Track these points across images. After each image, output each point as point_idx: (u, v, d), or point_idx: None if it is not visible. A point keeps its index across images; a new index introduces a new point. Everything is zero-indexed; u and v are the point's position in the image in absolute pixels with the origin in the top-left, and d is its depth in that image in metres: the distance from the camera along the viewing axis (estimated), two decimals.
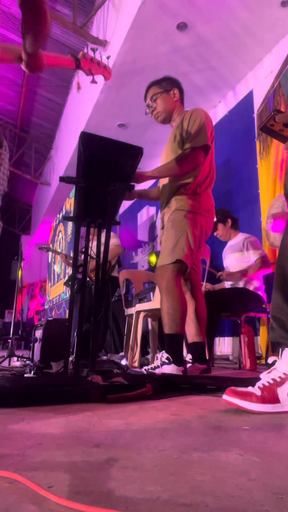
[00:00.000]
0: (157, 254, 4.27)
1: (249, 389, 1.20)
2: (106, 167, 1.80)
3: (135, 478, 0.63)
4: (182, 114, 2.43)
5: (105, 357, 3.28)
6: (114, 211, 2.06)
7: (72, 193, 8.06)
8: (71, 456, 0.75)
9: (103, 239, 1.99)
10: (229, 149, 4.72)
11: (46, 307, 11.79)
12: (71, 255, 2.11)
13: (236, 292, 3.12)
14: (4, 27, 6.94)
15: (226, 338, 4.46)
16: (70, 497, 0.55)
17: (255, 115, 4.31)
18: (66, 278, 6.60)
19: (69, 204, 8.99)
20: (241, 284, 3.19)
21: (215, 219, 3.38)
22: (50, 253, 10.14)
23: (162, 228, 2.39)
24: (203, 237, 2.30)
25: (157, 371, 2.05)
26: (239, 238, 3.40)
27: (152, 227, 6.97)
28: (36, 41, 1.34)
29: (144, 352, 3.33)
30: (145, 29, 4.18)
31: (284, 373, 1.19)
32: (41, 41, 1.34)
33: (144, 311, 3.00)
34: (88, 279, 2.41)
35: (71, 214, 4.92)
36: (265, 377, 1.21)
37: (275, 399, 1.15)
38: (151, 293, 2.92)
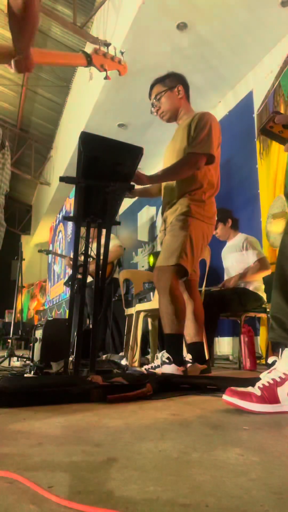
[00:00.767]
0: (156, 255, 4.28)
1: (249, 389, 1.20)
2: (106, 167, 1.80)
3: (135, 478, 0.63)
4: (189, 112, 2.39)
5: (105, 356, 3.28)
6: (114, 211, 2.06)
7: (72, 193, 8.06)
8: (71, 456, 0.75)
9: (103, 240, 1.99)
10: (229, 149, 4.71)
11: (46, 307, 11.79)
12: (71, 255, 2.11)
13: (235, 292, 3.12)
14: (5, 27, 6.94)
15: (226, 338, 4.46)
16: (70, 497, 0.55)
17: (255, 115, 4.31)
18: (66, 278, 6.60)
19: (69, 204, 8.99)
20: (241, 284, 3.19)
21: None
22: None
23: (164, 229, 2.38)
24: (204, 243, 2.32)
25: (157, 371, 2.05)
26: (238, 238, 3.40)
27: (152, 227, 6.97)
28: (23, 37, 1.27)
29: (144, 352, 3.33)
30: (145, 29, 4.18)
31: (284, 373, 1.19)
32: (28, 36, 1.28)
33: (144, 311, 3.00)
34: (91, 279, 2.41)
35: (71, 214, 4.91)
36: (265, 377, 1.21)
37: (275, 399, 1.15)
38: (151, 293, 2.92)
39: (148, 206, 7.15)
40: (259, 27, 3.97)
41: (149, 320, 3.22)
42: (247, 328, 2.88)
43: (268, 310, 3.11)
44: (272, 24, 3.90)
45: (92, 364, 1.75)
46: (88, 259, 2.00)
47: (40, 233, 13.04)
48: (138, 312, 3.03)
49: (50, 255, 11.34)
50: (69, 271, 6.89)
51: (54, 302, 10.41)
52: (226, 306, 3.04)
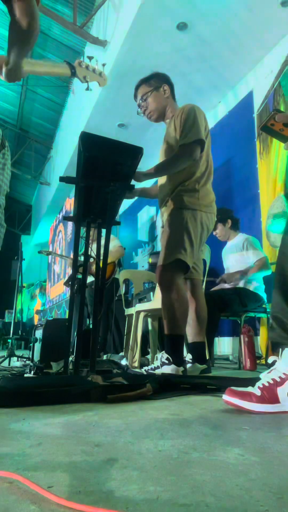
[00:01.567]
0: (154, 255, 4.28)
1: (249, 389, 1.20)
2: (106, 167, 1.80)
3: (135, 478, 0.63)
4: (175, 110, 2.37)
5: (105, 357, 3.28)
6: (114, 211, 2.06)
7: (72, 193, 8.05)
8: (71, 456, 0.75)
9: (103, 240, 1.99)
10: (229, 149, 4.72)
11: (46, 307, 11.79)
12: (71, 256, 2.11)
13: (236, 292, 3.12)
14: (5, 27, 6.94)
15: (226, 338, 4.46)
16: (70, 497, 0.55)
17: (255, 115, 4.31)
18: (66, 278, 6.60)
19: (69, 204, 8.99)
20: (241, 284, 3.19)
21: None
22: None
23: (163, 226, 2.37)
24: (204, 233, 2.26)
25: (157, 371, 2.05)
26: (239, 238, 3.40)
27: (152, 227, 6.97)
28: (22, 50, 1.36)
29: (144, 352, 3.33)
30: (145, 29, 4.18)
31: (284, 373, 1.19)
32: (26, 51, 1.37)
33: (144, 311, 2.99)
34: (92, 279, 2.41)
35: (71, 214, 4.92)
36: (265, 377, 1.21)
37: (275, 399, 1.15)
38: (151, 293, 2.92)
39: (148, 206, 7.16)
40: (259, 27, 3.98)
41: (149, 320, 3.22)
42: (247, 328, 2.88)
43: (268, 310, 3.11)
44: (272, 24, 3.90)
45: (92, 364, 1.75)
46: (89, 260, 2.00)
47: (40, 233, 13.05)
48: (138, 312, 3.03)
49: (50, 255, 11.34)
50: (69, 271, 6.90)
51: (54, 302, 10.41)
52: (226, 306, 3.04)
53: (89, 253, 2.00)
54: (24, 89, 8.55)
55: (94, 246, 2.14)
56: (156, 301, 2.66)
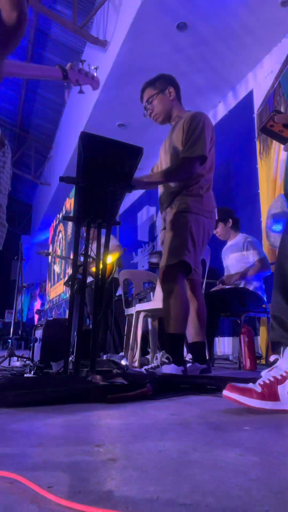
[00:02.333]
0: (154, 255, 4.28)
1: (250, 385, 1.20)
2: (106, 167, 1.80)
3: (135, 478, 0.63)
4: (181, 112, 2.41)
5: (105, 356, 3.28)
6: (114, 211, 2.06)
7: (72, 193, 8.06)
8: (71, 456, 0.75)
9: (103, 240, 1.99)
10: (229, 149, 4.72)
11: (46, 307, 11.79)
12: (71, 256, 2.11)
13: (236, 292, 3.12)
14: None
15: (226, 338, 4.46)
16: (70, 497, 0.55)
17: (255, 115, 4.31)
18: (66, 278, 6.60)
19: (69, 204, 8.99)
20: (241, 284, 3.19)
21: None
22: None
23: (164, 228, 2.38)
24: (205, 238, 2.31)
25: (156, 371, 2.05)
26: (239, 238, 3.40)
27: (152, 227, 6.97)
28: (5, 50, 1.28)
29: (144, 352, 3.33)
30: (145, 29, 4.18)
31: (285, 371, 1.18)
32: (10, 51, 1.30)
33: (144, 311, 2.99)
34: (91, 279, 2.40)
35: (71, 214, 4.91)
36: (266, 375, 1.21)
37: (275, 397, 1.15)
38: (151, 293, 2.91)
39: (148, 206, 7.16)
40: (259, 27, 3.97)
41: (149, 320, 3.22)
42: (247, 328, 2.88)
43: (268, 310, 3.11)
44: (272, 24, 3.90)
45: (92, 364, 1.75)
46: (89, 259, 2.00)
47: (40, 233, 13.05)
48: (138, 312, 3.03)
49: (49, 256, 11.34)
50: (69, 271, 6.89)
51: (54, 302, 10.41)
52: (226, 306, 3.04)
53: (89, 253, 2.00)
54: (24, 89, 8.55)
55: (94, 246, 2.14)
56: (156, 301, 2.66)
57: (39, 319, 11.39)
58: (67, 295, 8.13)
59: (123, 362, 2.72)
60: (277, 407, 1.15)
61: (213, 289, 3.47)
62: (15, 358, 3.59)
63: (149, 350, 3.26)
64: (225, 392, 1.20)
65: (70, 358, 1.95)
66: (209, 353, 2.64)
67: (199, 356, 2.34)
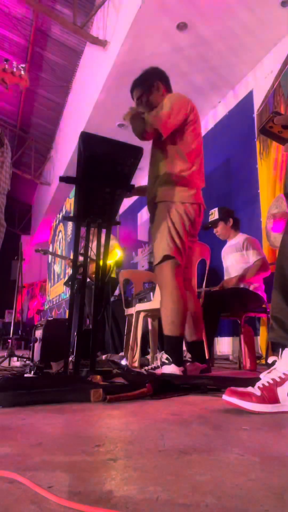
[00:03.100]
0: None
1: (249, 389, 1.20)
2: (106, 167, 1.80)
3: (135, 478, 0.63)
4: None
5: (104, 356, 3.28)
6: (114, 211, 2.06)
7: (72, 193, 8.06)
8: (71, 456, 0.75)
9: (103, 240, 1.99)
10: (229, 149, 4.72)
11: (46, 307, 11.79)
12: (71, 256, 2.11)
13: (236, 292, 3.12)
14: (5, 27, 6.95)
15: (226, 338, 4.46)
16: (70, 497, 0.55)
17: (255, 115, 4.31)
18: (66, 278, 6.60)
19: (69, 204, 9.00)
20: (241, 284, 3.19)
21: (216, 217, 3.38)
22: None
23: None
24: (188, 224, 2.17)
25: (157, 371, 2.04)
26: (239, 238, 3.40)
27: None
28: None
29: (144, 352, 3.33)
30: (145, 29, 4.18)
31: (284, 373, 1.19)
32: None
33: (144, 311, 2.99)
34: (88, 279, 2.40)
35: (71, 214, 4.91)
36: (265, 377, 1.21)
37: (274, 399, 1.15)
38: (151, 293, 2.91)
39: None
40: (259, 27, 3.97)
41: (149, 320, 3.22)
42: (247, 328, 2.88)
43: (268, 310, 3.11)
44: (272, 24, 3.90)
45: (92, 364, 1.75)
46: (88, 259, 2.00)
47: (40, 233, 13.04)
48: (138, 312, 3.03)
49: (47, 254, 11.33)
50: (69, 271, 6.89)
51: (54, 302, 10.41)
52: (226, 306, 3.03)
53: (89, 253, 2.00)
54: (24, 89, 8.54)
55: (93, 246, 2.14)
56: (156, 301, 2.66)
57: (39, 319, 11.39)
58: (67, 295, 8.13)
59: (123, 362, 2.72)
60: (277, 410, 1.15)
61: (213, 289, 3.47)
62: (15, 358, 3.59)
63: (149, 350, 3.26)
64: (224, 397, 1.20)
65: (70, 358, 1.96)
66: (209, 353, 2.64)
67: (199, 356, 2.32)
